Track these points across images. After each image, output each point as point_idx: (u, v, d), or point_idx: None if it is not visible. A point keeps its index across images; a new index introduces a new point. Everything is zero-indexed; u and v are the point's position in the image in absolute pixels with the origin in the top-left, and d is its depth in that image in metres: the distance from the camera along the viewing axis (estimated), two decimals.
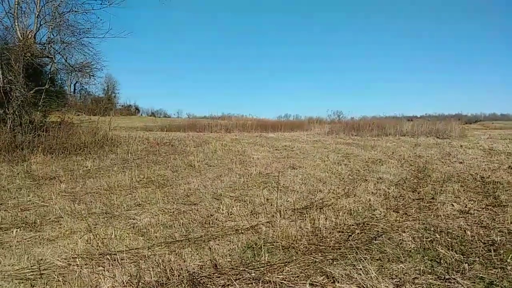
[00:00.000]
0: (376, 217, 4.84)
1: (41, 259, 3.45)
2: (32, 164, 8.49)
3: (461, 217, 4.76)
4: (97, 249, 3.71)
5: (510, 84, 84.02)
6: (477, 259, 3.36)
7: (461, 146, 14.12)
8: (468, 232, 4.09)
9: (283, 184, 6.85)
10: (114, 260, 3.34)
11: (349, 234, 4.17)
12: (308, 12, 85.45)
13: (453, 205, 5.33)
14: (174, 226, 4.47)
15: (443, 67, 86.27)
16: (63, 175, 7.60)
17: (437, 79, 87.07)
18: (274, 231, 4.22)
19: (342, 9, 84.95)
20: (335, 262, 3.34)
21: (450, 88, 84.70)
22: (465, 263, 3.27)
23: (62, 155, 9.86)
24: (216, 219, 4.77)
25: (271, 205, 5.44)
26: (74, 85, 37.49)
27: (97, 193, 6.25)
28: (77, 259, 3.40)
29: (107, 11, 12.65)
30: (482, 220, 4.61)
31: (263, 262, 3.36)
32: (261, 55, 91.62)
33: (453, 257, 3.39)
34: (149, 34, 75.58)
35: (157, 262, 3.32)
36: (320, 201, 5.74)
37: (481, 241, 3.86)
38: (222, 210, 5.14)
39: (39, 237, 4.13)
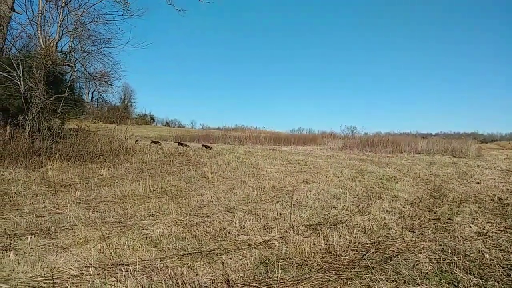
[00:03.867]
0: (391, 236, 4.75)
1: (54, 267, 3.45)
2: (49, 171, 8.59)
3: (479, 239, 4.64)
4: (110, 259, 3.71)
5: None
6: (496, 284, 3.26)
7: (478, 166, 13.87)
8: (487, 255, 3.98)
9: (297, 199, 6.79)
10: (127, 271, 3.33)
11: (364, 253, 4.10)
12: (322, 28, 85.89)
13: (470, 227, 5.21)
14: (187, 238, 4.45)
15: (458, 85, 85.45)
16: (78, 182, 7.67)
17: (452, 97, 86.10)
18: (287, 247, 4.17)
19: (356, 27, 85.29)
20: (349, 282, 3.28)
21: (466, 106, 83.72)
22: (484, 287, 3.18)
23: (78, 162, 9.96)
24: (228, 232, 4.74)
25: (284, 220, 5.39)
26: (92, 93, 38.25)
27: (111, 201, 6.28)
28: (90, 269, 3.40)
29: (128, 21, 12.93)
30: (501, 243, 4.48)
31: (276, 278, 3.32)
32: (276, 69, 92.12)
33: (471, 281, 3.30)
34: (167, 44, 76.70)
35: (169, 275, 3.30)
36: (334, 217, 5.67)
37: (500, 265, 3.75)
38: (235, 223, 5.11)
39: (53, 244, 4.15)
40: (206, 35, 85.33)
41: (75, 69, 13.44)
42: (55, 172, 8.58)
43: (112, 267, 3.48)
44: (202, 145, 16.80)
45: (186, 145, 16.25)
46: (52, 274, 3.26)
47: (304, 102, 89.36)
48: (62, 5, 12.07)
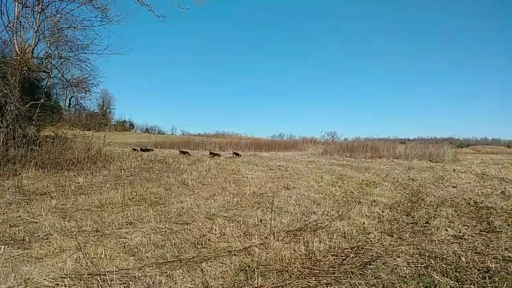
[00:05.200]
0: (370, 240, 4.80)
1: (28, 278, 3.36)
2: (23, 179, 8.37)
3: (456, 243, 4.73)
4: (86, 269, 3.62)
5: (502, 109, 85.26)
6: (472, 286, 3.32)
7: (454, 170, 14.18)
8: (463, 258, 4.06)
9: (277, 205, 6.80)
10: (104, 281, 3.26)
11: (344, 258, 4.12)
12: (301, 34, 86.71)
13: (447, 230, 5.31)
14: (166, 246, 4.39)
15: (436, 91, 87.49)
16: (54, 190, 7.50)
17: (429, 102, 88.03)
18: (267, 254, 4.16)
19: (335, 33, 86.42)
20: (329, 287, 3.29)
21: (443, 112, 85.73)
22: None
23: (54, 170, 9.75)
24: (208, 239, 4.70)
25: (265, 226, 5.38)
26: (70, 99, 37.54)
27: (88, 210, 6.16)
28: (65, 279, 3.31)
29: (106, 27, 12.72)
30: (477, 246, 4.58)
31: (256, 285, 3.30)
32: (256, 74, 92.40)
33: (448, 284, 3.35)
34: (146, 50, 76.10)
35: (147, 284, 3.25)
36: (314, 223, 5.70)
37: (476, 267, 3.82)
38: (215, 230, 5.08)
39: (27, 255, 4.04)
40: (186, 41, 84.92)
41: (51, 75, 13.21)
42: (30, 180, 8.36)
43: (89, 277, 3.40)
44: (233, 153, 17.28)
45: (218, 155, 16.39)
46: (26, 286, 3.18)
47: (285, 108, 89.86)
48: (39, 11, 11.85)
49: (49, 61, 12.81)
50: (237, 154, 17.04)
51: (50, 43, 12.49)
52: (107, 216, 5.75)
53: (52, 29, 12.20)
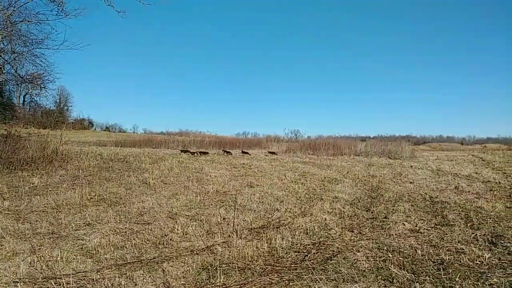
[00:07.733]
0: (332, 236, 4.89)
1: None
2: None
3: (412, 236, 4.90)
4: (41, 273, 3.48)
5: (455, 107, 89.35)
6: (428, 278, 3.45)
7: (411, 166, 14.71)
8: (419, 251, 4.21)
9: (240, 203, 6.79)
10: (59, 285, 3.14)
11: (305, 254, 4.17)
12: (266, 33, 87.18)
13: (404, 224, 5.49)
14: (126, 247, 4.28)
15: (394, 90, 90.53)
16: (7, 191, 7.13)
17: (388, 101, 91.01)
18: (230, 252, 4.15)
19: (299, 32, 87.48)
20: (291, 283, 3.32)
21: (401, 110, 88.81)
22: (416, 282, 3.36)
23: (7, 170, 9.28)
24: (170, 239, 4.63)
25: (228, 224, 5.36)
26: (24, 96, 35.83)
27: (43, 211, 5.91)
28: (18, 284, 3.17)
29: (62, 22, 12.15)
30: (432, 239, 4.76)
31: (218, 284, 3.28)
32: (220, 72, 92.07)
33: (405, 277, 3.47)
34: (107, 46, 73.84)
35: (106, 286, 3.16)
36: (277, 220, 5.73)
37: (431, 260, 3.98)
38: (177, 230, 5.00)
39: None
40: (147, 37, 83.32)
41: (4, 71, 12.52)
42: None
43: (43, 281, 3.26)
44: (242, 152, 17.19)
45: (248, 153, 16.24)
46: None
47: (250, 106, 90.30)
48: None
49: (1, 56, 12.16)
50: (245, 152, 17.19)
51: (2, 37, 11.84)
52: (64, 217, 5.54)
53: (5, 23, 11.56)
